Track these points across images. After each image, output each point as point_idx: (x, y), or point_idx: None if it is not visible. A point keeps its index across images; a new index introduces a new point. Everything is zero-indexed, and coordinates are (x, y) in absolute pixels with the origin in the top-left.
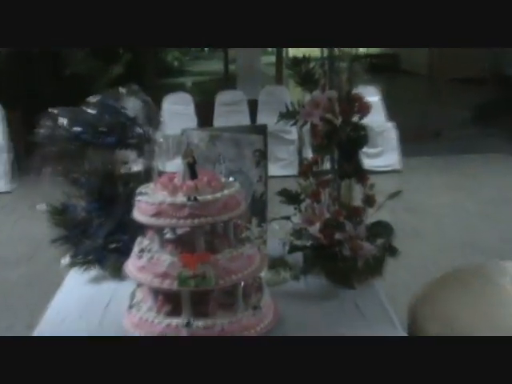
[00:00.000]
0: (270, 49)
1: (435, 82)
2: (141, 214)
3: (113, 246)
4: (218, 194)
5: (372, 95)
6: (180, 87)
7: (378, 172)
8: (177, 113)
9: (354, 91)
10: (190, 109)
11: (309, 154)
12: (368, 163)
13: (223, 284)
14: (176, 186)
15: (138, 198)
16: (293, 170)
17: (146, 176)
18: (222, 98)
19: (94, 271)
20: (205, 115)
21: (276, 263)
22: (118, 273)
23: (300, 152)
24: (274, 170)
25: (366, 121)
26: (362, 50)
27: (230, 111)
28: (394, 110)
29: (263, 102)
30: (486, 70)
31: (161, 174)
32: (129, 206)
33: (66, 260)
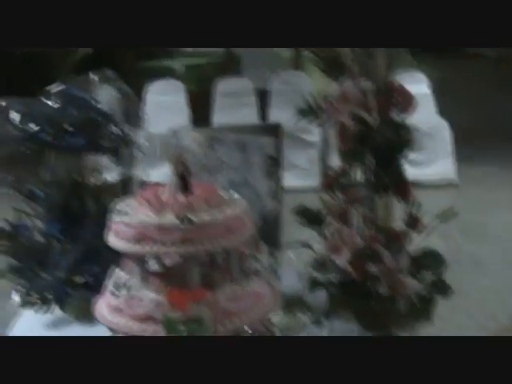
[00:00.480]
0: None
1: (505, 64)
2: (117, 238)
3: (79, 280)
4: (218, 214)
5: (419, 84)
6: (168, 72)
7: (427, 185)
8: (164, 106)
9: (395, 80)
10: (181, 100)
11: (335, 161)
12: (413, 173)
13: (223, 330)
14: (163, 202)
15: (114, 217)
16: (313, 181)
17: (124, 189)
18: (223, 86)
19: (53, 313)
20: (200, 109)
21: (292, 303)
22: (84, 315)
23: (323, 158)
24: (289, 179)
25: (410, 118)
26: None
27: (233, 104)
28: (449, 104)
29: (276, 92)
30: None
31: (143, 185)
32: (101, 227)
33: (17, 296)
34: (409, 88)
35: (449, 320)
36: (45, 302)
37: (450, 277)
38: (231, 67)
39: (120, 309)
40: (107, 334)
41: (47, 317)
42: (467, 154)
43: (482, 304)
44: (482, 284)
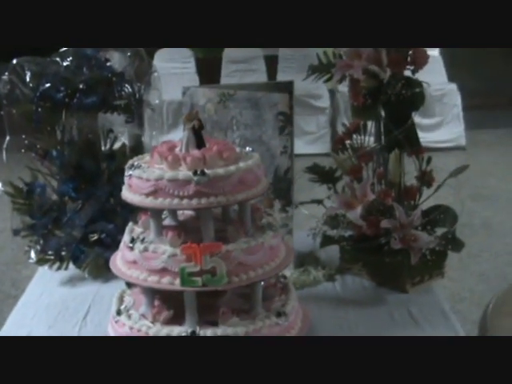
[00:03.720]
0: None
1: None
2: (133, 193)
3: (93, 238)
4: (232, 168)
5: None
6: None
7: (436, 149)
8: (172, 73)
9: None
10: (190, 67)
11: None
12: (423, 137)
13: (238, 282)
14: (178, 156)
15: (129, 172)
16: (323, 147)
17: (137, 149)
18: (232, 53)
19: (68, 270)
20: (209, 76)
21: (305, 260)
22: (99, 272)
23: (333, 124)
24: (298, 146)
25: (421, 79)
26: None
27: (242, 70)
28: (458, 68)
29: (285, 57)
30: None
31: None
32: (114, 186)
33: (33, 254)
34: None
35: (461, 281)
36: (59, 259)
37: (461, 239)
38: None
39: (136, 262)
40: (121, 288)
41: (62, 273)
42: (477, 117)
43: (493, 265)
44: (492, 246)
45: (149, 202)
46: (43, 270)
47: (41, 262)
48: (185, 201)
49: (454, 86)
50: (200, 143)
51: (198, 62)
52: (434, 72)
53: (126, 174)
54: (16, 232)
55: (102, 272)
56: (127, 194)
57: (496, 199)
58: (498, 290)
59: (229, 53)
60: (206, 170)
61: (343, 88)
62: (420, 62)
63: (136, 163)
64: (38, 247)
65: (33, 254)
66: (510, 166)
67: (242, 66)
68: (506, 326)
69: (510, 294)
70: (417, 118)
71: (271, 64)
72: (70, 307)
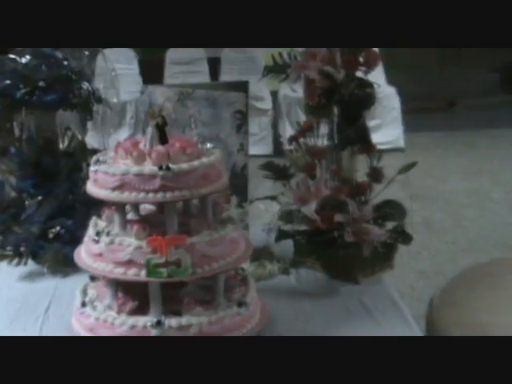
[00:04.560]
0: None
1: None
2: (98, 187)
3: (52, 234)
4: (196, 163)
5: None
6: None
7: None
8: (117, 73)
9: None
10: (134, 68)
11: (285, 129)
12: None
13: (202, 273)
14: (143, 152)
15: (95, 167)
16: (265, 149)
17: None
18: (175, 54)
19: (27, 266)
20: (153, 77)
21: (260, 254)
22: (58, 267)
23: (275, 126)
24: None
25: None
26: None
27: (185, 72)
28: (396, 72)
29: (228, 59)
30: None
31: (94, 152)
32: (73, 183)
33: None
34: None
35: (401, 277)
36: (18, 255)
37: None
38: None
39: (101, 254)
40: (80, 283)
41: (21, 269)
42: (415, 120)
43: (432, 262)
44: (431, 244)
45: (115, 196)
46: (1, 266)
47: (0, 257)
48: (150, 195)
49: (392, 90)
50: (163, 139)
51: (141, 63)
52: (373, 75)
53: (92, 169)
54: None
55: (61, 267)
56: (93, 189)
57: (434, 199)
58: (438, 286)
59: (171, 54)
60: (170, 165)
61: (285, 90)
62: (372, 63)
63: (101, 158)
64: None
65: None
66: (446, 168)
67: (185, 67)
68: (450, 315)
69: (453, 285)
70: None
71: (214, 66)
72: (31, 302)
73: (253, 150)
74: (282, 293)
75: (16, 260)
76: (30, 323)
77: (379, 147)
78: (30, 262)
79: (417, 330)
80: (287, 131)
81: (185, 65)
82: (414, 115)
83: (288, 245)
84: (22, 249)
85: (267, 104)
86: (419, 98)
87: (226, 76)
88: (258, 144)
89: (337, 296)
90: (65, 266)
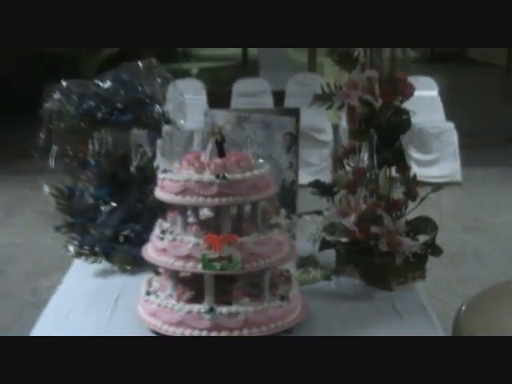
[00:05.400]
0: None
1: None
2: (165, 192)
3: (123, 236)
4: (248, 174)
5: (428, 88)
6: (185, 74)
7: (434, 184)
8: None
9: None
10: (202, 99)
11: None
12: (421, 172)
13: (249, 268)
14: (203, 163)
15: (162, 175)
16: (325, 178)
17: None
18: (242, 86)
19: (101, 264)
20: (219, 107)
21: (305, 261)
22: (127, 266)
23: (334, 156)
24: (301, 177)
25: (421, 120)
26: None
27: (250, 103)
28: (456, 109)
29: (292, 92)
30: None
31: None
32: (142, 193)
33: (71, 248)
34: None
35: (449, 303)
36: (94, 254)
37: (454, 266)
38: (248, 70)
39: (165, 250)
40: (148, 276)
41: (95, 266)
42: (472, 155)
43: (479, 290)
44: (481, 273)
45: (178, 199)
46: (78, 264)
47: (78, 255)
48: (208, 199)
49: (451, 125)
50: (221, 153)
51: (208, 94)
52: (432, 111)
53: (160, 176)
54: (57, 228)
55: (130, 266)
56: (160, 194)
57: (486, 231)
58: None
59: (238, 86)
60: (226, 175)
61: (345, 123)
62: (407, 93)
63: (168, 168)
64: (76, 243)
65: (71, 249)
66: (500, 202)
67: (250, 99)
68: (475, 321)
69: (482, 296)
70: (416, 154)
71: (278, 99)
72: (103, 293)
73: (311, 180)
74: (323, 296)
75: (91, 258)
76: (101, 311)
77: (436, 180)
78: (103, 261)
79: (440, 331)
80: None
81: (250, 97)
82: (472, 150)
83: (330, 254)
84: (96, 249)
85: (328, 136)
86: (477, 134)
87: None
88: (318, 175)
89: (371, 300)
90: (133, 265)
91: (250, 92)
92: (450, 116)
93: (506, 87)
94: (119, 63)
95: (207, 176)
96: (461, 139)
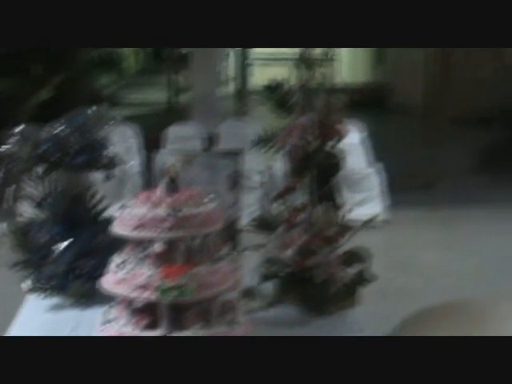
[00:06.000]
0: (225, 79)
1: (431, 122)
2: (122, 226)
3: (77, 271)
4: (200, 208)
5: (352, 134)
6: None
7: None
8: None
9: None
10: (137, 143)
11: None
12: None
13: (202, 296)
14: (158, 199)
15: (120, 211)
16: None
17: None
18: (175, 131)
19: (56, 298)
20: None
21: (249, 291)
22: (81, 299)
23: (264, 201)
24: None
25: (348, 162)
26: (342, 81)
27: (185, 147)
28: (378, 154)
29: (225, 136)
30: (495, 107)
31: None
32: (95, 229)
33: (26, 284)
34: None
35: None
36: (50, 288)
37: (379, 302)
38: (179, 116)
39: (123, 280)
40: (100, 314)
41: (49, 301)
42: (396, 198)
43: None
44: (407, 309)
45: (135, 233)
46: (31, 298)
47: (33, 290)
48: (163, 233)
49: (374, 169)
50: (175, 189)
51: (143, 139)
52: (359, 154)
53: (118, 212)
54: (13, 266)
55: (83, 300)
56: (117, 228)
57: (411, 267)
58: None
59: (171, 132)
60: (180, 209)
61: (274, 167)
62: (341, 135)
63: (126, 204)
64: (32, 278)
65: (26, 284)
66: (425, 240)
67: (183, 143)
68: None
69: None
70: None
71: (212, 143)
72: (58, 326)
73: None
74: (266, 323)
75: (45, 293)
76: None
77: (363, 219)
78: (57, 296)
79: None
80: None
81: (183, 142)
82: (396, 192)
83: (272, 284)
84: (52, 283)
85: (257, 181)
86: (401, 177)
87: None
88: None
89: (309, 327)
90: (86, 299)
91: (183, 137)
92: (374, 159)
93: (426, 133)
94: (51, 110)
95: (163, 210)
96: (385, 181)
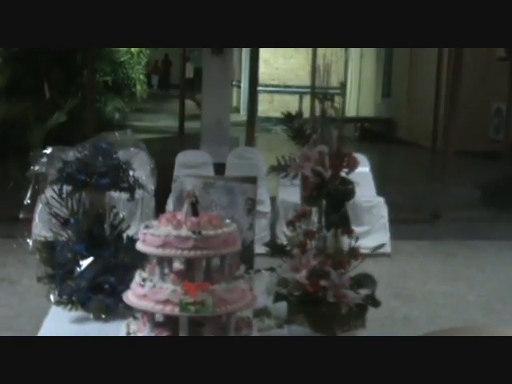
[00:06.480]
0: (237, 106)
1: (438, 155)
2: (145, 245)
3: (98, 287)
4: (219, 231)
5: (360, 165)
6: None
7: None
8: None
9: (344, 147)
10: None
11: (282, 231)
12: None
13: (219, 312)
14: (180, 221)
15: (144, 231)
16: (263, 249)
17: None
18: (183, 158)
19: (77, 312)
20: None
21: (261, 311)
22: (102, 314)
23: (273, 227)
24: None
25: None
26: (353, 113)
27: (191, 175)
28: (385, 185)
29: (232, 165)
30: (501, 142)
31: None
32: (116, 248)
33: (52, 297)
34: (353, 153)
35: None
36: (71, 302)
37: (383, 331)
38: (187, 143)
39: (146, 295)
40: (119, 329)
41: (72, 313)
42: (401, 229)
43: None
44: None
45: (159, 251)
46: (57, 310)
47: (58, 303)
48: (185, 252)
49: (381, 200)
50: (195, 213)
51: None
52: (365, 186)
53: (142, 231)
54: (39, 279)
55: (103, 314)
56: (141, 246)
57: (413, 298)
58: None
59: (180, 158)
60: (201, 231)
61: (283, 195)
62: (352, 165)
63: (149, 224)
64: (56, 292)
65: (52, 297)
66: (427, 273)
67: (192, 170)
68: None
69: None
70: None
71: (219, 170)
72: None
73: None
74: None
75: (69, 306)
76: None
77: (367, 251)
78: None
79: None
80: (284, 231)
81: (192, 168)
82: (401, 224)
83: (282, 305)
84: (73, 298)
85: (266, 207)
86: (406, 209)
87: None
88: (256, 244)
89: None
90: (106, 313)
91: (192, 163)
92: (380, 192)
93: (431, 167)
94: (65, 132)
95: (184, 231)
96: (390, 213)
